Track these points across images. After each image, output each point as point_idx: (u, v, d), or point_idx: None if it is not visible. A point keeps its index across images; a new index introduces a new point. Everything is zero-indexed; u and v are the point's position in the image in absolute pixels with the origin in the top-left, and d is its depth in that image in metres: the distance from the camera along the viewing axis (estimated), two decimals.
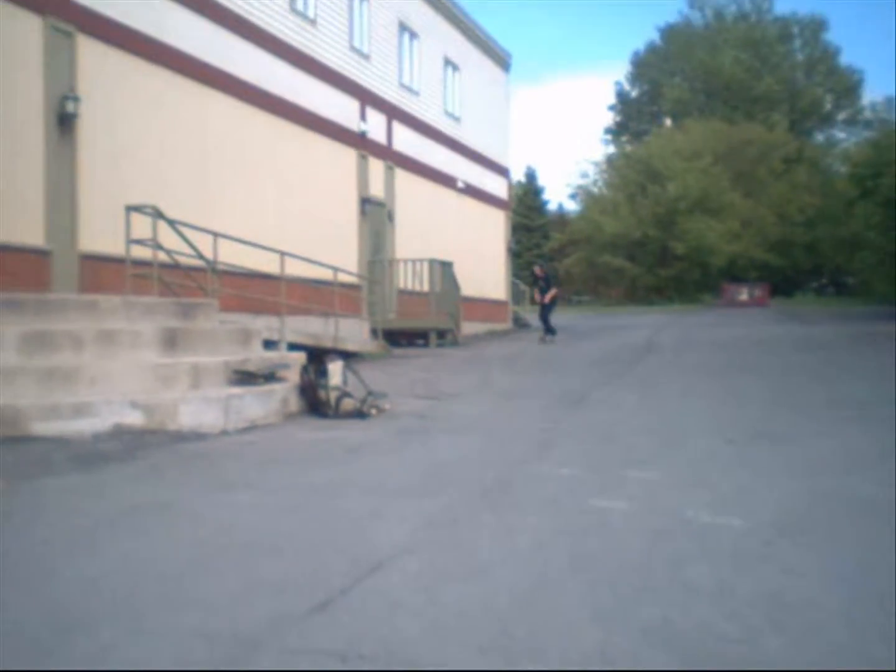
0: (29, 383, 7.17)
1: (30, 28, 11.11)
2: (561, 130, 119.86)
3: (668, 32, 75.55)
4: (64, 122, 11.45)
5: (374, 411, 8.16)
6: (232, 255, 12.85)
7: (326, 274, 15.77)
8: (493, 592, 3.33)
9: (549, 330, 21.49)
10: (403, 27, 22.46)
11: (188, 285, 11.90)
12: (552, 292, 21.89)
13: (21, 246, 10.80)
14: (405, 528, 4.25)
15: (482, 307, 25.57)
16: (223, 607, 3.16)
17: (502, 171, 29.69)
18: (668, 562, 3.70)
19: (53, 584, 3.43)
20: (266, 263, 13.83)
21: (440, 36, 24.75)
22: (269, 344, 11.30)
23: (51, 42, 11.35)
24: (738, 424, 7.62)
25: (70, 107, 11.39)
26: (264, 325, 11.73)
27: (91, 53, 11.96)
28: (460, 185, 25.56)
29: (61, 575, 3.54)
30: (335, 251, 17.49)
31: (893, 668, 2.96)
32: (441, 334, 20.22)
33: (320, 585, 3.38)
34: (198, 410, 7.12)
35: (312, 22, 17.98)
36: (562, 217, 71.79)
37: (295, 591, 3.33)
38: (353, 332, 16.68)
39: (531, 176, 70.69)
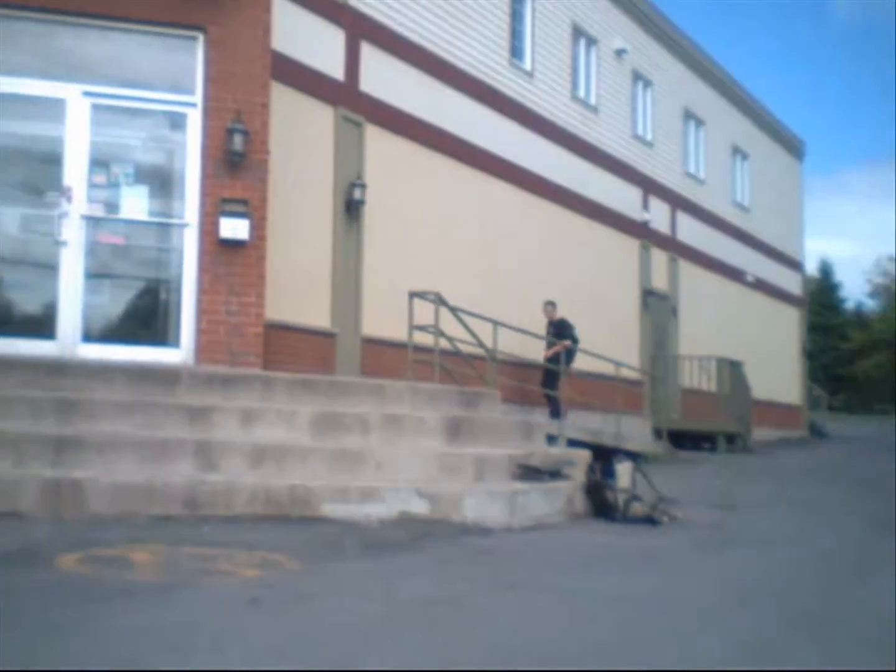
0: (319, 464, 7.23)
1: (323, 119, 11.79)
2: (858, 222, 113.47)
3: None
4: (350, 208, 11.95)
5: (665, 518, 7.62)
6: (509, 345, 12.84)
7: (607, 368, 15.40)
8: None
9: (553, 411, 13.93)
10: (689, 115, 22.19)
11: (467, 373, 11.88)
12: (559, 345, 14.28)
13: (309, 327, 11.27)
14: (715, 652, 3.77)
15: (773, 411, 24.07)
16: None
17: (795, 265, 28.25)
18: None
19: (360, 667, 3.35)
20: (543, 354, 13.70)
21: (727, 123, 24.17)
22: (548, 438, 11.01)
23: (341, 131, 11.96)
24: None
25: (357, 193, 11.89)
26: (542, 418, 11.48)
27: (377, 141, 12.47)
28: (749, 278, 24.51)
29: (367, 661, 3.43)
30: (616, 345, 17.07)
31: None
32: (730, 439, 19.14)
33: None
34: (482, 504, 6.89)
35: (594, 110, 18.11)
36: (860, 316, 67.01)
37: None
38: (634, 431, 16.09)
39: (826, 271, 66.77)
